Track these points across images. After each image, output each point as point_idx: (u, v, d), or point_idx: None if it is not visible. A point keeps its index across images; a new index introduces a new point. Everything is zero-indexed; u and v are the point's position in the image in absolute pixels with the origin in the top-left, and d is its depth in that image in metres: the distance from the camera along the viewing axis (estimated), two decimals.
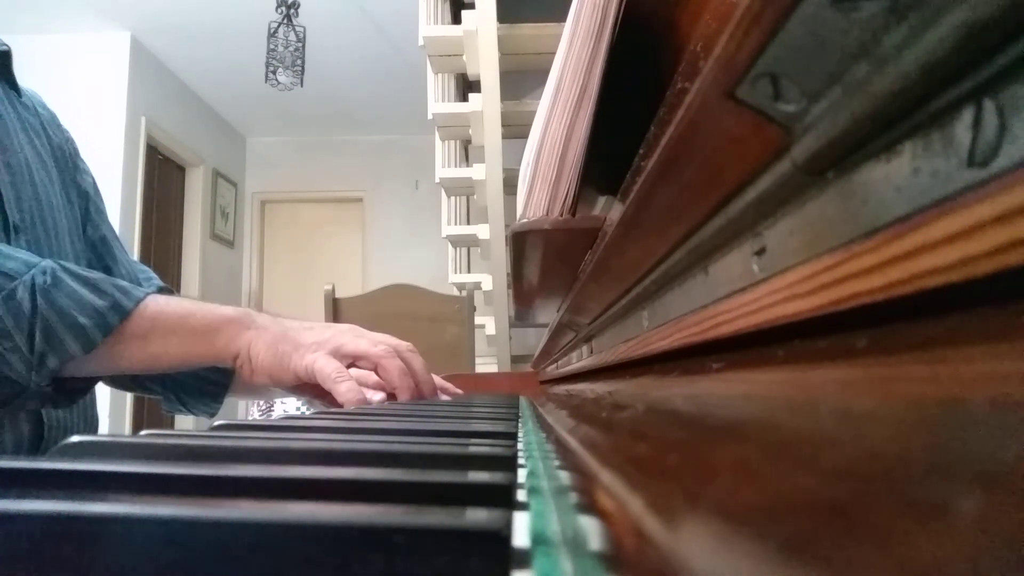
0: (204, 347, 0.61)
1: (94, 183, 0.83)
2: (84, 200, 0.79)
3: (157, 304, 0.60)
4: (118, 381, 0.77)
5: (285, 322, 0.66)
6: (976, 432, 0.08)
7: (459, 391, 0.78)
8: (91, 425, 0.77)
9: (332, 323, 0.71)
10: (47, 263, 0.56)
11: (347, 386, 0.60)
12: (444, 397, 0.75)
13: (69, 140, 0.81)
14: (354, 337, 0.65)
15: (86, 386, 0.71)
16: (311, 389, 0.66)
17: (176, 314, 0.61)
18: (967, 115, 0.10)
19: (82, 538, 0.12)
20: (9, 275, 0.53)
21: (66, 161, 0.78)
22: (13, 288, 0.53)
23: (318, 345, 0.63)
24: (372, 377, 0.66)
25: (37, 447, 0.65)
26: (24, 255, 0.56)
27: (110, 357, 0.58)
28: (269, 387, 0.78)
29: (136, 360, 0.60)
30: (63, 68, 3.51)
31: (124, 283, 0.59)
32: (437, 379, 0.74)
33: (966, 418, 0.09)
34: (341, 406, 0.71)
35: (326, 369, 0.61)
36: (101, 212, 0.82)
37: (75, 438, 0.23)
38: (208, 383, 0.79)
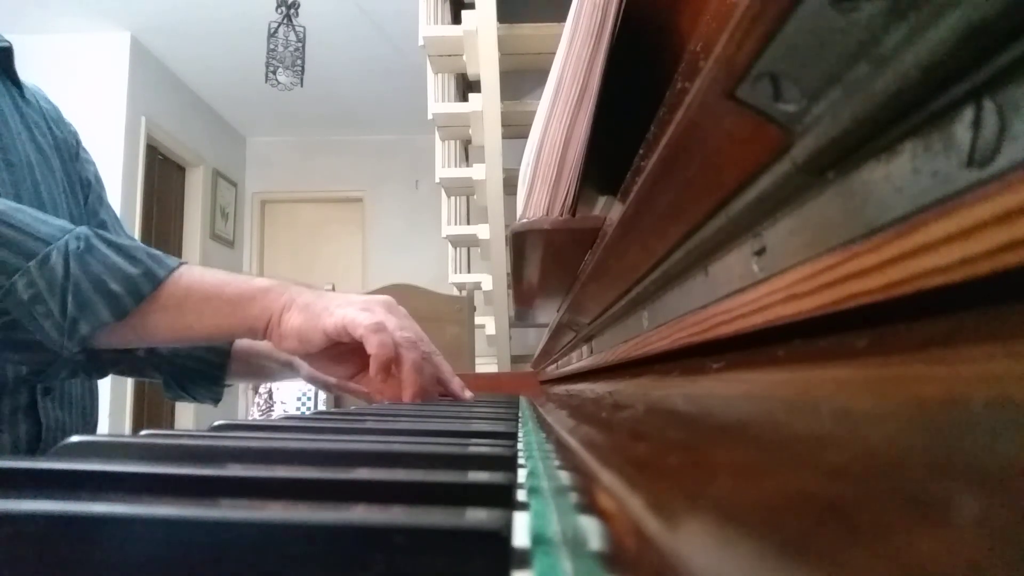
0: (238, 318, 0.59)
1: (96, 172, 0.83)
2: (86, 189, 0.80)
3: (192, 274, 0.59)
4: (118, 366, 0.77)
5: (321, 292, 0.64)
6: (976, 432, 0.08)
7: (468, 395, 0.75)
8: (90, 427, 0.77)
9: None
10: (82, 229, 0.56)
11: (380, 339, 0.57)
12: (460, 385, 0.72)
13: (72, 133, 0.81)
14: (386, 312, 0.62)
15: (119, 358, 0.72)
16: (332, 361, 0.63)
17: (211, 283, 0.59)
18: (967, 115, 0.10)
19: (82, 538, 0.12)
20: (44, 240, 0.53)
21: (70, 155, 0.78)
22: (48, 252, 0.53)
23: (350, 303, 0.61)
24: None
25: (35, 449, 0.65)
26: (58, 221, 0.56)
27: (143, 327, 0.57)
28: (283, 362, 0.77)
29: (170, 330, 0.58)
30: (63, 68, 3.50)
31: (158, 252, 0.59)
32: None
33: (966, 418, 0.09)
34: (367, 394, 0.69)
35: (358, 319, 0.58)
36: (102, 200, 0.83)
37: (75, 438, 0.23)
38: (205, 364, 0.79)
